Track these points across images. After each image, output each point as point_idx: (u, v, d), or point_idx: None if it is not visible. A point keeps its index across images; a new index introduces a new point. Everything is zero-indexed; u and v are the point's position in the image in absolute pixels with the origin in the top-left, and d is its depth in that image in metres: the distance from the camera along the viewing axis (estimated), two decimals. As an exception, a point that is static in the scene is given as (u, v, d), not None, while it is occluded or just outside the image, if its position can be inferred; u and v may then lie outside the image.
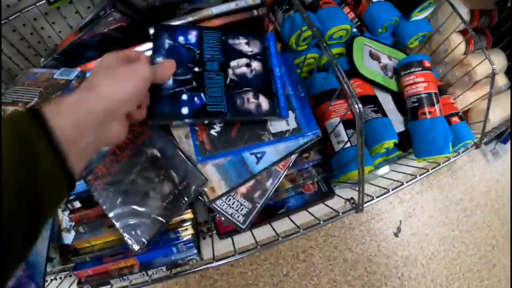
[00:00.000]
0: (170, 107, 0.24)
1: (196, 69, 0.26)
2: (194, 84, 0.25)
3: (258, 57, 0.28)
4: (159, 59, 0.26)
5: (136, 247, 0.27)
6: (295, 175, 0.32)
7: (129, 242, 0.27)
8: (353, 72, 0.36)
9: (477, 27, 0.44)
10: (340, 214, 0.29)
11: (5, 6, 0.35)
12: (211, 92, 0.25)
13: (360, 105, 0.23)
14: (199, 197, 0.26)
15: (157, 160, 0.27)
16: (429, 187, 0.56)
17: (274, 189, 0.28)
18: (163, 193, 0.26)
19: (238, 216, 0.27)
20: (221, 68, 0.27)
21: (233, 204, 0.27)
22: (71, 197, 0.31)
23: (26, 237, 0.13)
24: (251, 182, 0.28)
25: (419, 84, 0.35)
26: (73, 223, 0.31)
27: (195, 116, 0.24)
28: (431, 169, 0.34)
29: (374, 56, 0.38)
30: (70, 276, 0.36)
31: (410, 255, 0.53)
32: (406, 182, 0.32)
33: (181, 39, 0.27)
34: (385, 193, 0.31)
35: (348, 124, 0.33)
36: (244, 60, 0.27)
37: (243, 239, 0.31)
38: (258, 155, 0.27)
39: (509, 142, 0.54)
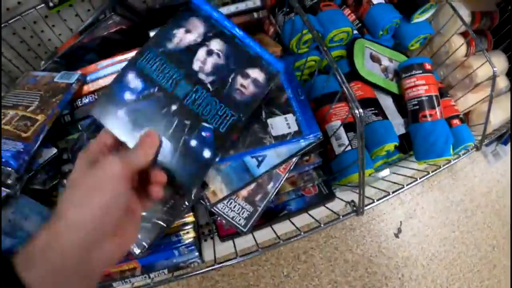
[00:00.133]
0: (193, 164, 0.20)
1: (173, 107, 0.20)
2: (187, 122, 0.20)
3: (209, 34, 0.22)
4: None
5: (137, 251, 0.27)
6: (296, 178, 0.32)
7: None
8: (353, 75, 0.36)
9: (478, 29, 0.44)
10: (341, 217, 0.29)
11: (5, 9, 0.35)
12: (208, 112, 0.21)
13: (361, 110, 0.23)
14: (201, 200, 0.27)
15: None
16: (430, 188, 0.57)
17: (275, 192, 0.28)
18: (164, 197, 0.26)
19: (240, 219, 0.27)
20: (190, 80, 0.21)
21: (234, 207, 0.27)
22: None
23: None
24: (252, 185, 0.28)
25: (420, 86, 0.35)
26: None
27: (218, 147, 0.20)
28: (432, 172, 0.34)
29: (375, 59, 0.38)
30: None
31: (410, 255, 0.54)
32: (407, 185, 0.32)
33: (129, 96, 0.20)
34: (385, 196, 0.31)
35: (349, 127, 0.33)
36: (203, 50, 0.22)
37: (244, 241, 0.31)
38: (259, 158, 0.27)
39: (509, 144, 0.54)
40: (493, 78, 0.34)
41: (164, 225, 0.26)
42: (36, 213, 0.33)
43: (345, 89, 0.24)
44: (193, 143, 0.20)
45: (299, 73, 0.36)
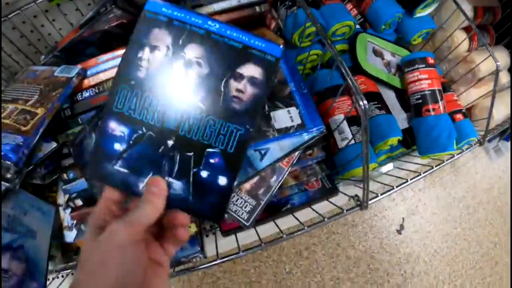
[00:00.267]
0: (212, 196, 0.18)
1: (170, 142, 0.18)
2: (190, 154, 0.18)
3: (179, 42, 0.18)
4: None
5: None
6: (298, 172, 0.32)
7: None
8: (356, 69, 0.36)
9: (480, 24, 0.44)
10: (345, 211, 0.29)
11: (5, 3, 0.34)
12: (208, 135, 0.18)
13: (365, 102, 0.23)
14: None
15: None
16: (432, 184, 0.56)
17: (278, 186, 0.28)
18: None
19: (242, 213, 0.27)
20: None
21: (237, 201, 0.27)
22: (73, 195, 0.31)
23: None
24: (255, 179, 0.27)
25: (423, 81, 0.35)
26: (75, 221, 0.31)
27: (232, 169, 0.18)
28: (435, 166, 0.34)
29: (377, 53, 0.38)
30: (72, 274, 0.36)
31: (413, 252, 0.53)
32: (411, 179, 0.32)
33: (118, 146, 0.18)
34: (389, 190, 0.31)
35: (352, 121, 0.33)
36: (179, 64, 0.18)
37: (247, 236, 0.30)
38: (262, 151, 0.27)
39: (510, 140, 0.54)
40: (496, 73, 0.34)
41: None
42: (35, 209, 0.33)
43: (349, 81, 0.24)
44: (204, 174, 0.18)
45: (301, 67, 0.36)
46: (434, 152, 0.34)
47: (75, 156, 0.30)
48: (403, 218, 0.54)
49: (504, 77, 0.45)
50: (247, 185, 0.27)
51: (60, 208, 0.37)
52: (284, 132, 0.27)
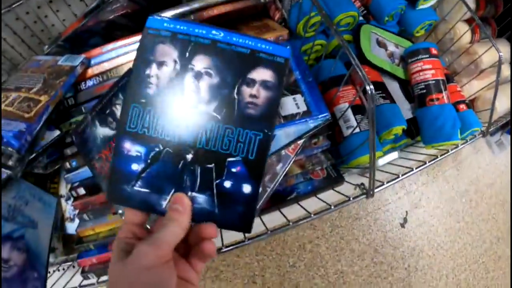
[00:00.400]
0: (238, 206, 0.18)
1: (189, 156, 0.17)
2: (211, 166, 0.17)
3: (186, 55, 0.18)
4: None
5: None
6: (304, 161, 0.32)
7: (122, 218, 0.26)
8: (360, 59, 0.35)
9: (482, 16, 0.44)
10: (351, 199, 0.29)
11: (9, -8, 0.34)
12: (227, 145, 0.17)
13: (372, 86, 0.23)
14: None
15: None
16: (435, 177, 0.56)
17: (284, 173, 0.28)
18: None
19: (248, 201, 0.27)
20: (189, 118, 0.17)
21: (242, 188, 0.27)
22: (75, 184, 0.31)
23: None
24: (261, 166, 0.27)
25: (427, 71, 0.35)
26: (77, 211, 0.31)
27: (255, 175, 0.17)
28: (440, 156, 0.34)
29: (381, 44, 0.38)
30: (74, 267, 0.35)
31: (416, 246, 0.53)
32: (416, 168, 0.32)
33: (136, 166, 0.17)
34: (395, 179, 0.31)
35: (357, 109, 0.33)
36: (189, 76, 0.17)
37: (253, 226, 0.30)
38: (268, 139, 0.27)
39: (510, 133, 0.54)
40: (499, 63, 0.34)
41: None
42: (37, 199, 0.33)
43: (355, 65, 0.24)
44: (228, 184, 0.17)
45: (306, 58, 0.36)
46: (439, 141, 0.34)
47: (77, 144, 0.29)
48: (406, 212, 0.54)
49: (505, 70, 0.45)
50: (253, 172, 0.27)
51: (62, 199, 0.36)
52: (290, 119, 0.27)
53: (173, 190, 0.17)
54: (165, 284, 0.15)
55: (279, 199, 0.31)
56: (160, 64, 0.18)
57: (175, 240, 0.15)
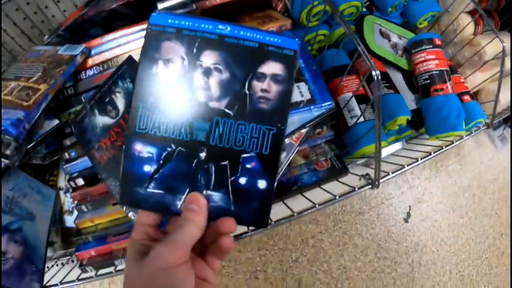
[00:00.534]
0: (254, 202, 0.17)
1: (202, 155, 0.17)
2: (225, 163, 0.17)
3: (194, 51, 0.17)
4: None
5: None
6: (308, 151, 0.31)
7: (133, 219, 0.26)
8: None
9: (485, 9, 0.44)
10: (356, 189, 0.28)
11: (8, -18, 0.34)
12: (241, 141, 0.17)
13: (378, 72, 0.23)
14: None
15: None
16: (438, 172, 0.56)
17: (288, 162, 0.27)
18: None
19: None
20: (203, 117, 0.17)
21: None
22: (74, 174, 0.30)
23: None
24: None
25: (431, 61, 0.35)
26: (75, 202, 0.30)
27: (270, 170, 0.17)
28: (445, 147, 0.34)
29: (384, 35, 0.38)
30: (72, 261, 0.34)
31: (420, 241, 0.53)
32: (421, 159, 0.32)
33: (148, 167, 0.17)
34: (400, 169, 0.30)
35: (361, 99, 0.32)
36: (198, 73, 0.17)
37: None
38: (272, 127, 0.26)
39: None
40: (503, 53, 0.34)
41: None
42: (35, 191, 0.32)
43: (361, 51, 0.24)
44: (243, 181, 0.17)
45: (309, 48, 0.35)
46: (444, 132, 0.34)
47: (76, 134, 0.29)
48: (409, 206, 0.54)
49: (507, 64, 0.45)
50: (257, 161, 0.27)
51: (61, 192, 0.36)
52: (294, 107, 0.27)
53: (187, 190, 0.17)
54: (183, 285, 0.14)
55: (283, 190, 0.31)
56: (167, 61, 0.17)
57: (192, 240, 0.15)
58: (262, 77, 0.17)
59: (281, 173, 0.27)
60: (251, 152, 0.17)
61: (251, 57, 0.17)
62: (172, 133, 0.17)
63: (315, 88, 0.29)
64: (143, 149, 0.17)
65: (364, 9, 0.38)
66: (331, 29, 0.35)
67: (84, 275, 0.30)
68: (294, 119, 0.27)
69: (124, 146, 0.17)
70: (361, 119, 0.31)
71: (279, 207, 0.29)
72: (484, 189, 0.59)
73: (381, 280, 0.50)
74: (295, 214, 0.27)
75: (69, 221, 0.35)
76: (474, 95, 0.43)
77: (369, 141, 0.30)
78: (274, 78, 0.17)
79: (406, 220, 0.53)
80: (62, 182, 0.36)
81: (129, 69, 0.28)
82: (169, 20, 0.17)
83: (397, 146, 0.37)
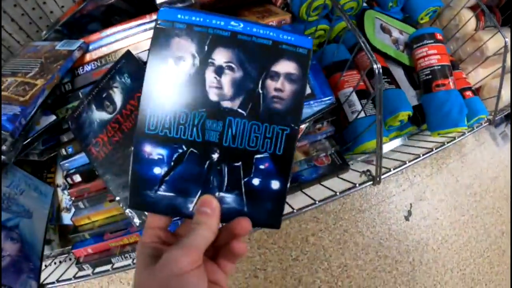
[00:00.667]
0: (267, 203, 0.17)
1: (215, 156, 0.17)
2: (238, 164, 0.17)
3: (205, 48, 0.16)
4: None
5: (137, 221, 0.25)
6: (308, 147, 0.31)
7: (130, 215, 0.25)
8: (364, 45, 0.35)
9: (486, 5, 0.44)
10: (357, 185, 0.28)
11: (6, -23, 0.34)
12: (254, 141, 0.17)
13: (379, 65, 0.23)
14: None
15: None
16: (439, 170, 0.56)
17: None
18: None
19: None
20: (215, 117, 0.17)
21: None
22: (71, 171, 0.30)
23: None
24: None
25: (432, 56, 0.34)
26: (72, 199, 0.30)
27: (284, 171, 0.17)
28: (447, 143, 0.33)
29: (385, 30, 0.37)
30: (70, 259, 0.34)
31: (421, 239, 0.52)
32: (422, 155, 0.31)
33: (159, 170, 0.17)
34: (402, 165, 0.30)
35: (361, 94, 0.32)
36: (210, 71, 0.16)
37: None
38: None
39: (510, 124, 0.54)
40: (505, 48, 0.34)
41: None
42: (32, 189, 0.32)
43: (361, 43, 0.23)
44: (256, 181, 0.17)
45: (309, 43, 0.35)
46: (446, 128, 0.33)
47: (73, 130, 0.29)
48: (410, 204, 0.53)
49: (508, 60, 0.45)
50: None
51: (59, 189, 0.35)
52: (294, 102, 0.26)
53: (200, 192, 0.17)
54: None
55: (283, 186, 0.30)
56: (178, 59, 0.16)
57: (205, 244, 0.15)
58: (276, 76, 0.17)
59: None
60: (265, 153, 0.17)
61: (265, 55, 0.17)
62: (184, 134, 0.16)
63: (315, 82, 0.28)
64: (153, 151, 0.16)
65: (364, 4, 0.38)
66: (331, 24, 0.35)
67: (81, 273, 0.29)
68: (294, 114, 0.26)
69: (132, 148, 0.17)
70: (362, 114, 0.30)
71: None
72: (485, 187, 0.58)
73: (381, 278, 0.49)
74: (295, 210, 0.27)
75: (67, 218, 0.35)
76: (476, 91, 0.43)
77: (370, 137, 0.30)
78: (288, 77, 0.17)
79: (407, 218, 0.53)
80: (59, 179, 0.36)
81: (126, 64, 0.28)
82: (179, 16, 0.17)
83: (398, 142, 0.36)
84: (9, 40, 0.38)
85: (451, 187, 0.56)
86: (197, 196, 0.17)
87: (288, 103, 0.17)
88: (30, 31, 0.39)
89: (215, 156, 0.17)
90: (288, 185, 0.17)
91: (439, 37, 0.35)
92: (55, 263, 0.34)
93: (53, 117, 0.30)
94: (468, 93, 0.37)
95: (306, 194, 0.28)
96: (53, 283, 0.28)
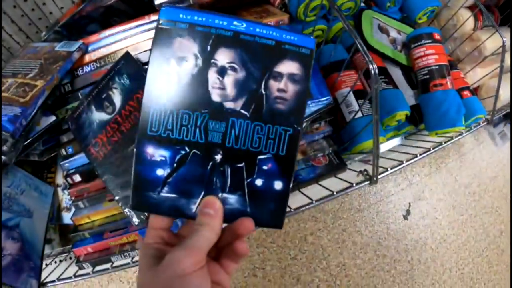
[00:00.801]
0: (270, 203, 0.17)
1: (218, 157, 0.17)
2: (241, 165, 0.17)
3: (208, 48, 0.16)
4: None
5: (136, 221, 0.26)
6: (305, 147, 0.31)
7: (129, 214, 0.26)
8: (362, 45, 0.35)
9: (484, 4, 0.44)
10: (354, 185, 0.28)
11: (6, -22, 0.34)
12: (257, 142, 0.17)
13: (375, 66, 0.23)
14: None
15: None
16: (438, 169, 0.56)
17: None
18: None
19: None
20: (218, 118, 0.17)
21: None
22: (71, 171, 0.30)
23: None
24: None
25: (430, 56, 0.34)
26: (72, 199, 0.30)
27: (287, 171, 0.17)
28: (444, 143, 0.34)
29: (383, 30, 0.37)
30: (70, 258, 0.34)
31: (419, 238, 0.53)
32: (420, 154, 0.31)
33: (161, 171, 0.17)
34: (399, 165, 0.30)
35: (359, 94, 0.32)
36: (212, 72, 0.16)
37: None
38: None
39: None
40: (503, 48, 0.34)
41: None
42: (33, 188, 0.32)
43: (357, 44, 0.24)
44: (259, 182, 0.17)
45: (307, 43, 0.35)
46: (443, 128, 0.33)
47: (73, 130, 0.29)
48: (409, 204, 0.53)
49: (507, 60, 0.45)
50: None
51: (59, 189, 0.36)
52: (291, 102, 0.27)
53: (202, 193, 0.17)
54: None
55: (280, 186, 0.30)
56: (180, 59, 0.16)
57: (208, 245, 0.15)
58: (279, 76, 0.17)
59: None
60: (268, 154, 0.17)
61: (268, 56, 0.17)
62: (186, 135, 0.16)
63: (312, 82, 0.28)
64: (155, 153, 0.16)
65: (362, 4, 0.38)
66: (329, 24, 0.35)
67: (81, 272, 0.30)
68: (292, 114, 0.27)
69: (135, 150, 0.17)
70: (359, 114, 0.30)
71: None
72: (484, 186, 0.59)
73: (380, 278, 0.49)
74: (292, 210, 0.27)
75: (67, 218, 0.35)
76: (474, 91, 0.43)
77: (367, 137, 0.30)
78: (291, 77, 0.17)
79: (405, 218, 0.53)
80: (60, 179, 0.36)
81: (125, 65, 0.28)
82: (181, 15, 0.16)
83: (396, 142, 0.37)
84: (9, 41, 0.38)
85: (450, 186, 0.56)
86: (200, 197, 0.17)
87: (291, 104, 0.17)
88: (30, 32, 0.39)
89: (218, 157, 0.17)
90: (291, 185, 0.17)
91: (437, 37, 0.35)
92: (55, 262, 0.35)
93: (53, 118, 0.30)
94: (466, 92, 0.37)
95: (304, 194, 0.29)
96: (53, 281, 0.29)
